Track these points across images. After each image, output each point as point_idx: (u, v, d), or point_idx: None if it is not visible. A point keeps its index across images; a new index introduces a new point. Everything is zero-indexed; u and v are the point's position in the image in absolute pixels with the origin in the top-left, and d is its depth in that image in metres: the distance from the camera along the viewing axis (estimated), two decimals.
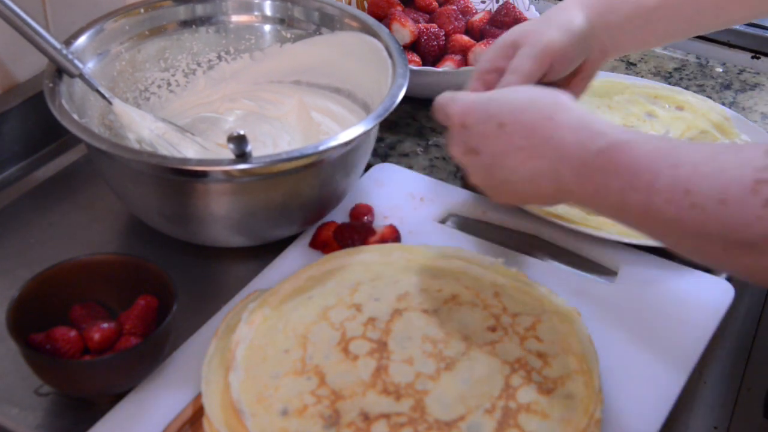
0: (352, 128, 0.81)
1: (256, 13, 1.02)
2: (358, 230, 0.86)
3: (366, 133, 0.82)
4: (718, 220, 0.60)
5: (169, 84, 1.00)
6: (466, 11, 1.17)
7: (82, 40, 0.91)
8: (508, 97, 0.75)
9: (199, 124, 0.99)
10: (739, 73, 1.22)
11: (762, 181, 0.58)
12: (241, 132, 0.74)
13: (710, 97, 1.13)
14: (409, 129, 1.08)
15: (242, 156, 0.75)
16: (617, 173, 0.66)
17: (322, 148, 0.78)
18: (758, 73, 1.22)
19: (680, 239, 0.64)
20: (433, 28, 1.11)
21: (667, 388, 0.75)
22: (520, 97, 0.74)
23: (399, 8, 1.15)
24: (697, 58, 1.24)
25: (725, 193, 0.59)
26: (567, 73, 0.87)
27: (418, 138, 1.07)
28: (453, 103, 0.78)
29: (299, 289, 0.79)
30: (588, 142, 0.68)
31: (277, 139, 0.96)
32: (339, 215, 0.91)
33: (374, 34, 0.95)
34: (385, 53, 0.92)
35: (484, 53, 0.89)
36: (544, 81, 0.85)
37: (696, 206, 0.61)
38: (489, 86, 0.85)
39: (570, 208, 0.91)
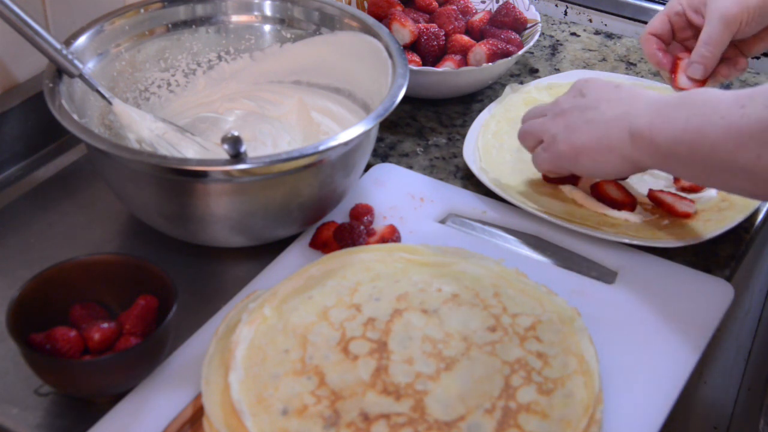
0: (352, 128, 0.81)
1: (256, 13, 1.02)
2: (358, 230, 0.86)
3: (366, 133, 0.82)
4: (760, 120, 0.71)
5: (169, 84, 1.00)
6: (466, 11, 1.17)
7: (82, 40, 0.91)
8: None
9: (199, 124, 0.99)
10: None
11: None
12: (235, 133, 0.74)
13: None
14: (409, 129, 1.08)
15: (237, 157, 0.75)
16: (684, 107, 0.77)
17: (322, 148, 0.78)
18: (758, 73, 1.22)
19: (725, 155, 0.74)
20: (433, 28, 1.11)
21: (667, 387, 0.75)
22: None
23: (399, 8, 1.15)
24: None
25: None
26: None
27: (418, 138, 1.07)
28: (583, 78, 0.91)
29: (299, 289, 0.79)
30: (680, 95, 0.80)
31: (277, 139, 0.96)
32: (339, 215, 0.91)
33: (374, 34, 0.95)
34: (385, 53, 0.92)
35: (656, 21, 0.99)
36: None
37: (745, 115, 0.72)
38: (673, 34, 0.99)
39: (570, 208, 0.91)
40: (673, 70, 0.96)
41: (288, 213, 0.84)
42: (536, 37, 1.13)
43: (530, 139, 0.92)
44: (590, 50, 1.26)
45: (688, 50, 0.97)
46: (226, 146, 0.74)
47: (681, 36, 0.98)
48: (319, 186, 0.84)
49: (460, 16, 1.14)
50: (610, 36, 1.29)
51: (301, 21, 1.01)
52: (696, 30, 0.96)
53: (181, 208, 0.82)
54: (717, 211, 0.92)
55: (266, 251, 0.87)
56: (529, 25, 1.16)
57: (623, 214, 0.91)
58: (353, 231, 0.86)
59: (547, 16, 1.35)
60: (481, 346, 0.74)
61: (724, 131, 0.73)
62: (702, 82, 0.95)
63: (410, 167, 1.01)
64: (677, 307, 0.82)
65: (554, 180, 0.94)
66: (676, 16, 0.96)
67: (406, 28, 1.10)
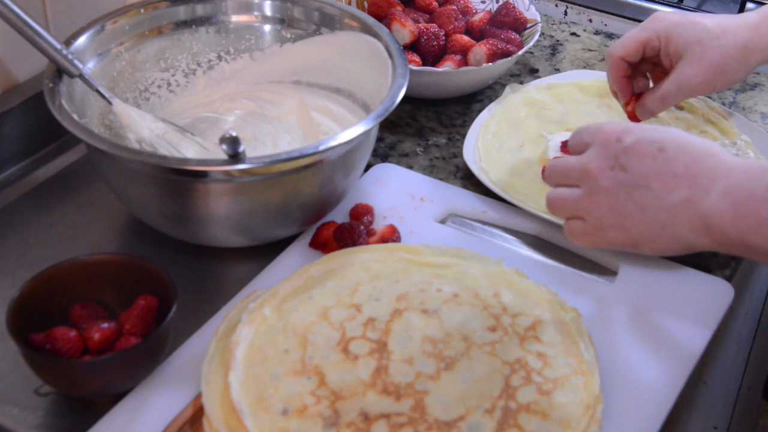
0: (352, 128, 0.81)
1: (255, 13, 1.02)
2: (358, 230, 0.86)
3: (366, 133, 0.82)
4: None
5: (169, 84, 1.00)
6: (466, 11, 1.17)
7: (82, 40, 0.91)
8: (670, 130, 0.76)
9: (199, 124, 0.99)
10: None
11: None
12: (234, 133, 0.74)
13: (710, 97, 1.13)
14: (409, 129, 1.08)
15: (235, 157, 0.75)
16: None
17: (322, 148, 0.78)
18: (758, 73, 1.22)
19: None
20: (433, 28, 1.11)
21: (667, 388, 0.75)
22: (683, 133, 0.75)
23: (399, 8, 1.15)
24: None
25: None
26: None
27: (418, 138, 1.07)
28: (606, 125, 0.78)
29: (299, 289, 0.79)
30: (760, 176, 0.68)
31: (277, 139, 0.96)
32: (339, 215, 0.91)
33: (374, 34, 0.95)
34: (385, 53, 0.92)
35: (622, 46, 0.95)
36: None
37: None
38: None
39: None
40: (628, 102, 0.98)
41: (288, 213, 0.84)
42: (536, 37, 1.13)
43: (562, 212, 0.79)
44: (590, 50, 1.26)
45: (643, 75, 0.99)
46: (224, 146, 0.75)
47: (644, 66, 0.98)
48: (319, 186, 0.84)
49: (460, 16, 1.14)
50: (610, 36, 1.29)
51: (301, 21, 1.01)
52: (661, 66, 0.96)
53: (181, 208, 0.82)
54: None
55: (266, 251, 0.87)
56: (529, 25, 1.16)
57: None
58: (353, 231, 0.86)
59: (547, 16, 1.35)
60: (481, 346, 0.74)
61: None
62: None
63: (410, 167, 1.01)
64: (677, 307, 0.82)
65: None
66: (651, 50, 0.95)
67: (406, 28, 1.10)
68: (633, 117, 0.98)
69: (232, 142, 0.74)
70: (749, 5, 1.31)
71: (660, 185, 0.71)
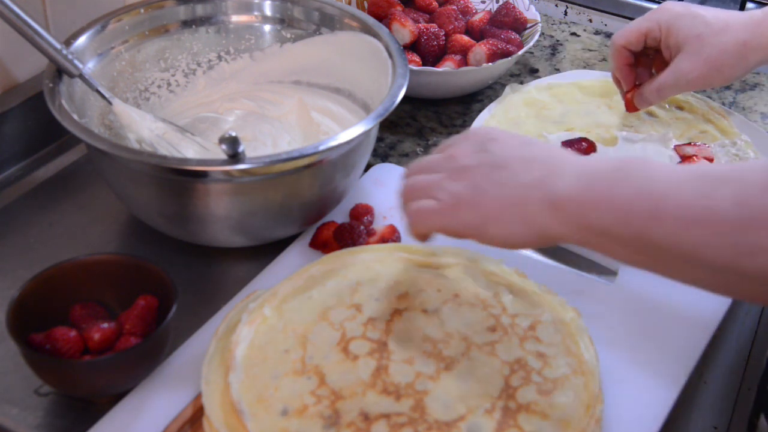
0: (351, 128, 0.81)
1: (255, 13, 1.02)
2: (358, 230, 0.86)
3: (366, 133, 0.82)
4: (734, 214, 0.60)
5: (169, 84, 1.00)
6: (466, 11, 1.17)
7: (82, 40, 0.91)
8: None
9: (199, 124, 0.99)
10: None
11: None
12: (233, 133, 0.74)
13: (710, 97, 1.13)
14: (409, 129, 1.08)
15: (235, 157, 0.75)
16: (628, 180, 0.65)
17: (321, 148, 0.78)
18: (758, 73, 1.22)
19: (684, 242, 0.62)
20: (433, 28, 1.11)
21: (667, 388, 0.75)
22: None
23: (399, 8, 1.15)
24: None
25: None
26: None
27: (418, 138, 1.07)
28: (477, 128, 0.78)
29: (299, 289, 0.79)
30: (603, 162, 0.68)
31: (277, 139, 0.96)
32: (339, 215, 0.91)
33: (374, 34, 0.95)
34: (385, 53, 0.92)
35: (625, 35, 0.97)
36: None
37: (710, 208, 0.60)
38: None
39: None
40: (630, 90, 0.99)
41: (288, 213, 0.84)
42: (536, 37, 1.13)
43: (415, 197, 0.73)
44: (590, 50, 1.26)
45: (647, 64, 1.00)
46: (224, 146, 0.75)
47: (648, 54, 0.99)
48: (319, 186, 0.84)
49: (460, 16, 1.14)
50: (610, 36, 1.29)
51: (301, 21, 1.01)
52: (660, 55, 0.97)
53: (181, 208, 0.82)
54: None
55: (266, 251, 0.87)
56: (529, 25, 1.16)
57: None
58: (353, 231, 0.86)
59: (547, 16, 1.35)
60: (481, 346, 0.74)
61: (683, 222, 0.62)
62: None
63: None
64: (677, 307, 0.82)
65: None
66: (652, 41, 0.96)
67: (406, 28, 1.10)
68: (630, 105, 0.99)
69: (232, 142, 0.74)
70: (749, 5, 1.31)
71: (519, 166, 0.70)
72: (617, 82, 1.01)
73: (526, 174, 0.70)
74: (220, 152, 0.90)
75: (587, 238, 0.67)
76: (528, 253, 0.89)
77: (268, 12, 1.02)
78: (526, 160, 0.71)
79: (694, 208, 0.61)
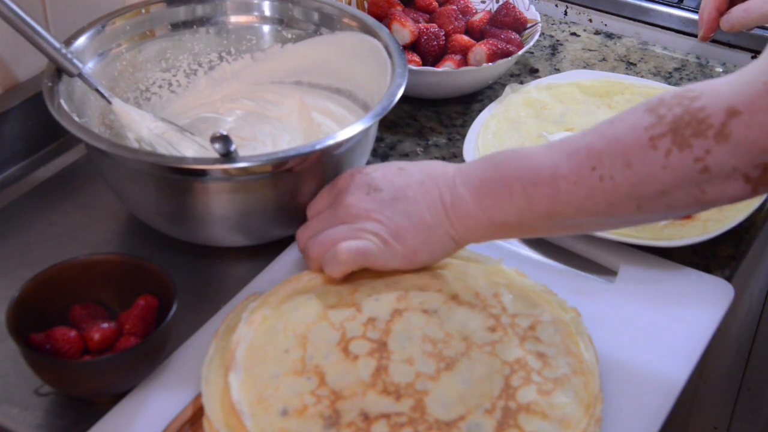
0: (349, 127, 0.81)
1: (255, 14, 1.02)
2: None
3: (364, 132, 0.82)
4: (629, 182, 0.67)
5: (170, 84, 1.00)
6: (466, 11, 1.17)
7: (82, 40, 0.91)
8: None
9: (200, 124, 0.99)
10: None
11: (655, 136, 0.66)
12: (224, 132, 0.74)
13: None
14: (409, 129, 1.08)
15: (227, 155, 0.75)
16: (518, 175, 0.71)
17: (319, 146, 0.78)
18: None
19: (591, 216, 0.70)
20: (433, 28, 1.11)
21: (667, 388, 0.75)
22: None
23: (399, 8, 1.15)
24: (697, 58, 1.24)
25: (628, 156, 0.67)
26: None
27: (418, 138, 1.07)
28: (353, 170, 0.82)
29: (299, 289, 0.79)
30: (483, 163, 0.75)
31: (278, 139, 0.96)
32: None
33: (374, 34, 0.95)
34: (384, 53, 0.92)
35: None
36: None
37: (605, 177, 0.68)
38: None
39: None
40: (706, 32, 1.12)
41: (287, 212, 0.84)
42: (536, 37, 1.13)
43: (329, 246, 0.77)
44: (590, 50, 1.26)
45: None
46: (216, 145, 0.75)
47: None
48: (319, 185, 0.84)
49: (460, 16, 1.14)
50: (610, 36, 1.29)
51: (301, 21, 1.01)
52: None
53: (180, 207, 0.82)
54: (717, 211, 0.91)
55: (266, 251, 0.86)
56: (529, 25, 1.16)
57: None
58: None
59: (547, 16, 1.35)
60: (481, 346, 0.73)
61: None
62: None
63: None
64: (677, 307, 0.82)
65: None
66: None
67: (406, 28, 1.10)
68: (708, 34, 1.11)
69: (224, 141, 0.74)
70: None
71: (414, 192, 0.76)
72: (701, 20, 1.11)
73: (425, 197, 0.76)
74: None
75: (501, 231, 0.75)
76: (528, 253, 0.89)
77: (267, 12, 1.02)
78: (416, 186, 0.76)
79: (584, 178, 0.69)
